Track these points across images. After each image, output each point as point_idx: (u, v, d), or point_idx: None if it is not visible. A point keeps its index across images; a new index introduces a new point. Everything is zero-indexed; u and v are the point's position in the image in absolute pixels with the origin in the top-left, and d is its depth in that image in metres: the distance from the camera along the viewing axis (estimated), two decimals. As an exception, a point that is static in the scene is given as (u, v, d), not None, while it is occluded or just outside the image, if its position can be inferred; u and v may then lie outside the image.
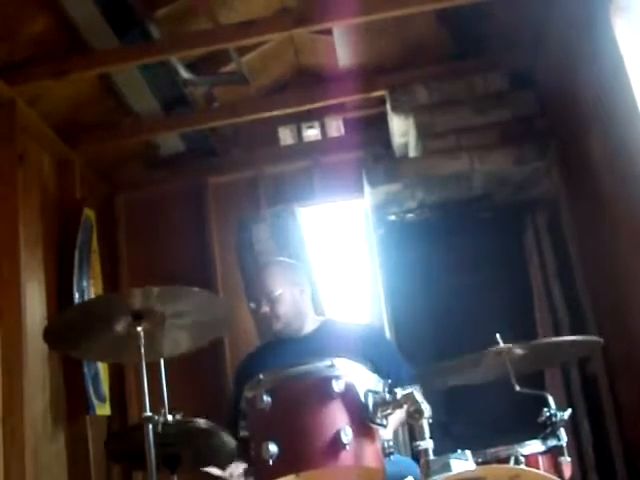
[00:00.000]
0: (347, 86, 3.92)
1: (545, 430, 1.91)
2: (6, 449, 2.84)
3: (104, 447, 2.67)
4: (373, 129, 4.29)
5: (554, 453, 1.90)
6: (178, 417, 2.03)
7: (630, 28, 2.70)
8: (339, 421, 1.73)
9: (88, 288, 3.65)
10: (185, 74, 3.79)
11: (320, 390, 1.76)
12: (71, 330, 2.07)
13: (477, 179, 3.63)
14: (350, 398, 1.77)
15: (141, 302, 2.01)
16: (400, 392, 1.75)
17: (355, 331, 2.80)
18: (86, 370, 3.49)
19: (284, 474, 1.71)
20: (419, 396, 1.74)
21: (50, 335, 2.14)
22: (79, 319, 2.08)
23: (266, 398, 1.76)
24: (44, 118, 3.57)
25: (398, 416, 2.09)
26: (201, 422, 2.14)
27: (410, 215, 3.79)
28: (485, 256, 3.72)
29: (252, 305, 2.74)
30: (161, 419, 1.99)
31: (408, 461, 2.42)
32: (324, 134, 4.52)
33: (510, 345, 1.97)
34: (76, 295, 3.53)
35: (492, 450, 1.87)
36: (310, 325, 2.77)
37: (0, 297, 3.04)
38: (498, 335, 1.98)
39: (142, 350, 2.03)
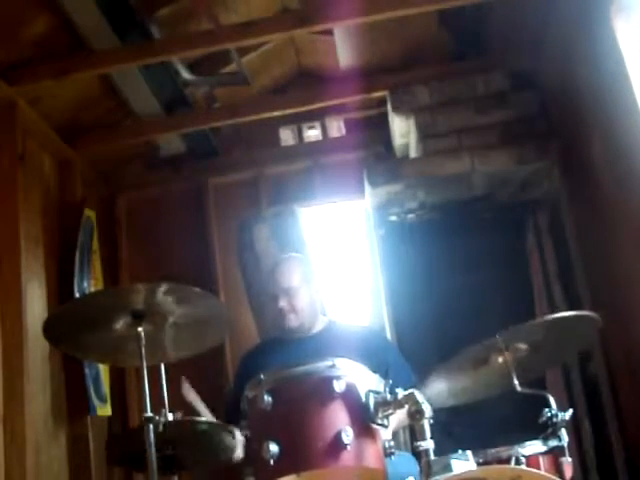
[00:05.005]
0: (348, 86, 3.92)
1: (546, 430, 1.90)
2: (7, 449, 2.85)
3: (105, 450, 2.66)
4: (374, 129, 4.29)
5: (555, 453, 1.89)
6: (178, 416, 2.04)
7: (631, 29, 2.69)
8: (340, 421, 1.73)
9: (89, 289, 3.66)
10: (186, 75, 3.79)
11: (321, 390, 1.76)
12: (71, 325, 2.06)
13: (478, 179, 3.62)
14: (351, 398, 1.77)
15: (144, 300, 2.00)
16: (401, 392, 1.75)
17: (359, 334, 2.79)
18: (87, 370, 3.49)
19: (285, 474, 1.71)
20: (420, 396, 1.74)
21: (49, 329, 2.12)
22: (79, 314, 2.07)
23: (267, 398, 1.76)
24: (45, 118, 3.57)
25: (398, 417, 2.09)
26: (202, 421, 2.14)
27: (411, 215, 3.79)
28: (486, 257, 3.71)
29: (266, 300, 2.69)
30: (162, 419, 1.99)
31: (407, 456, 2.42)
32: (325, 134, 4.52)
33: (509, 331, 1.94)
34: (77, 296, 3.52)
35: (493, 450, 1.87)
36: (318, 325, 2.76)
37: (1, 298, 3.04)
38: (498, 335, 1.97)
39: (143, 351, 2.02)
